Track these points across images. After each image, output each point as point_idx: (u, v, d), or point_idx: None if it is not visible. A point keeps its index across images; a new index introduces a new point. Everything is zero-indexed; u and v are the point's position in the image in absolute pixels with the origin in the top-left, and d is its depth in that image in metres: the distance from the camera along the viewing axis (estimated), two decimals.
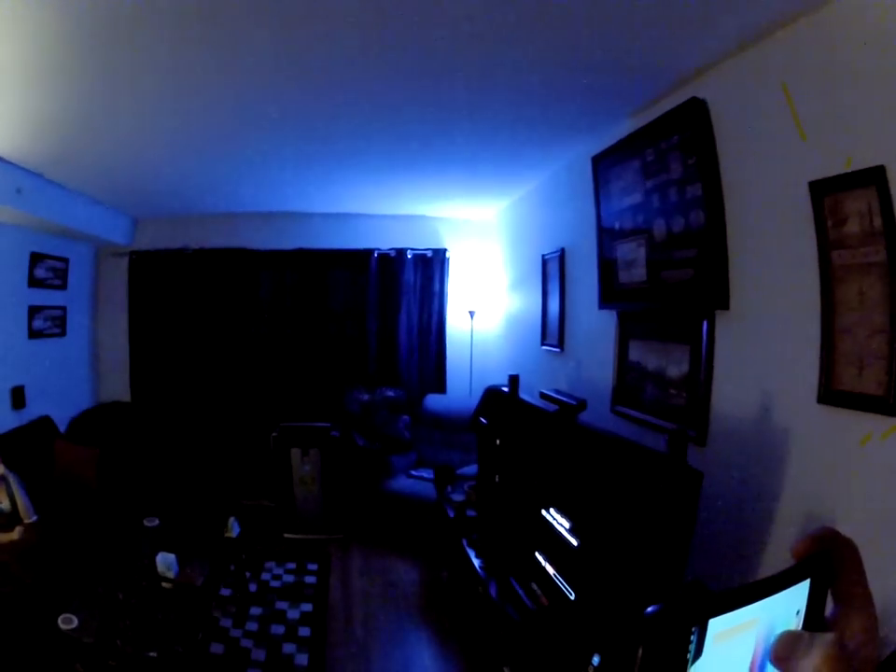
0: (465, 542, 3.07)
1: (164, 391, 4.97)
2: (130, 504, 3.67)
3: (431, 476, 4.10)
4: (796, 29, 1.59)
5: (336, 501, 4.21)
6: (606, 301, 2.85)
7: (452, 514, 3.37)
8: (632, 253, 2.57)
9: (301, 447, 4.18)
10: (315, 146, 3.14)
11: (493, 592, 2.56)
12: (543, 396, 2.40)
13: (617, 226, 2.68)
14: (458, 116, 2.64)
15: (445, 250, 5.18)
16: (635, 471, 1.72)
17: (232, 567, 3.11)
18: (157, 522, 2.98)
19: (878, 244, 1.43)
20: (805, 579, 0.32)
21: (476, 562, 2.85)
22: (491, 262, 5.19)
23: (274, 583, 3.47)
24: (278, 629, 2.96)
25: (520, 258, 4.43)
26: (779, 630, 0.31)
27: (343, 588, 3.49)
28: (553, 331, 3.68)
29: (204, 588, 2.67)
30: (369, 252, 5.11)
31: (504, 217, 4.83)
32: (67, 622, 2.32)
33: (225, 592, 3.16)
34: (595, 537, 1.90)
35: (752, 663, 0.31)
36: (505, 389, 3.73)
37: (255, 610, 3.12)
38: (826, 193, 1.54)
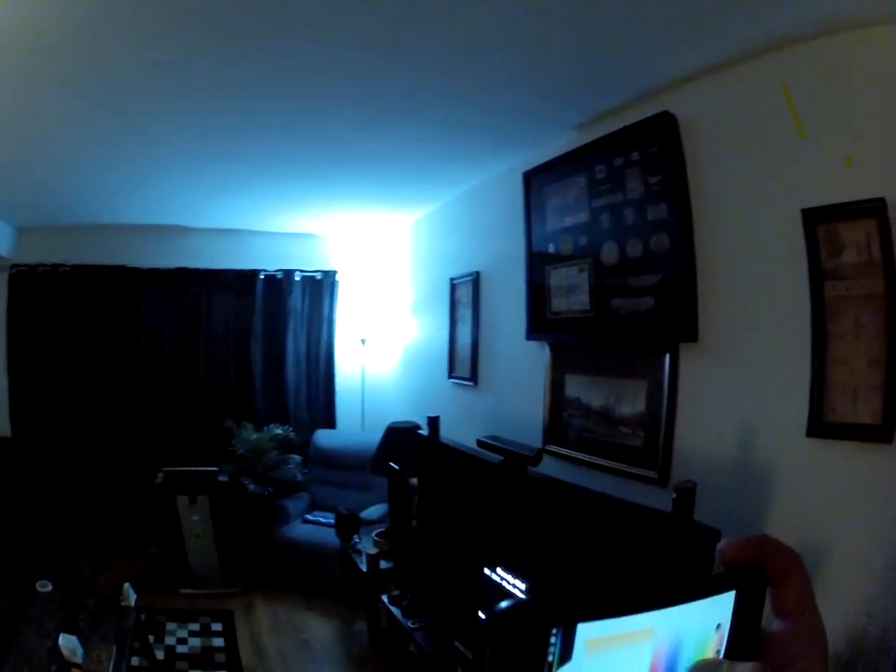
0: (386, 598, 2.73)
1: (48, 425, 4.49)
2: (19, 561, 3.43)
3: (329, 521, 3.90)
4: (790, 51, 1.57)
5: (231, 553, 3.92)
6: (535, 330, 2.71)
7: (365, 568, 3.07)
8: (571, 279, 2.46)
9: (189, 494, 3.83)
10: (207, 148, 2.81)
11: (430, 652, 2.25)
12: (482, 444, 2.16)
13: (552, 248, 2.57)
14: (372, 117, 2.40)
15: (335, 272, 4.88)
16: (629, 531, 1.53)
17: (137, 645, 2.79)
18: (50, 587, 2.78)
19: (877, 275, 1.42)
20: (728, 590, 0.29)
21: (405, 621, 2.51)
22: (386, 286, 4.92)
23: (181, 648, 3.21)
24: None
25: (424, 281, 4.22)
26: (689, 644, 0.29)
27: (256, 650, 3.22)
28: (465, 363, 3.48)
29: None
30: (255, 273, 4.73)
31: (408, 236, 4.60)
32: None
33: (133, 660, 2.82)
34: None
35: None
36: (409, 426, 3.48)
37: None
38: (821, 221, 1.51)
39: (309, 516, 4.13)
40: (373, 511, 3.87)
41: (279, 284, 4.75)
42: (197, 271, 4.64)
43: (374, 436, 4.33)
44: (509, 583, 1.95)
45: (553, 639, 0.25)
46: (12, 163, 2.93)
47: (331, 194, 3.67)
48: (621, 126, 2.11)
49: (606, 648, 0.26)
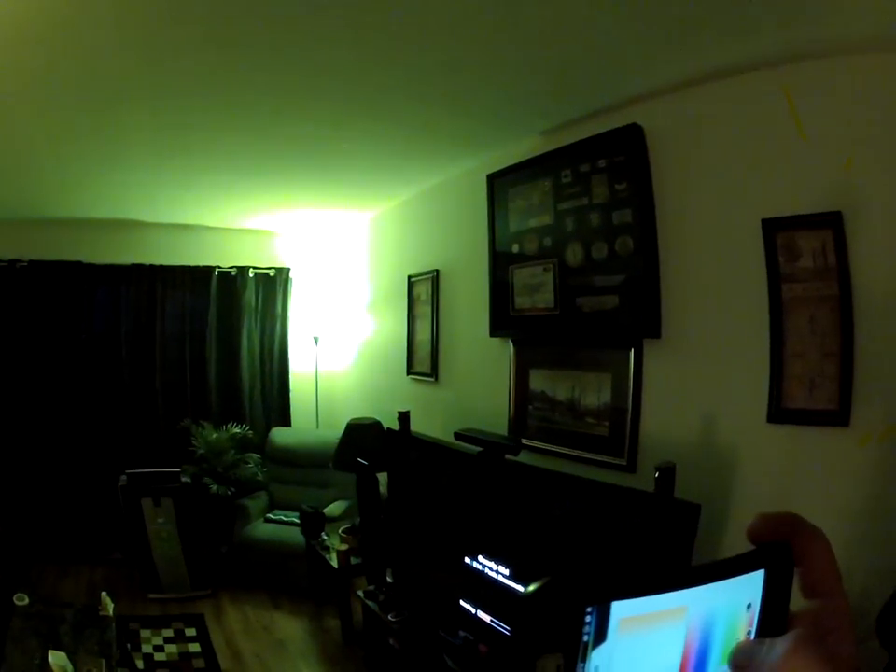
0: (361, 594, 2.76)
1: (4, 427, 4.28)
2: None
3: (292, 519, 3.92)
4: (755, 74, 1.74)
5: (197, 555, 3.86)
6: (499, 327, 2.82)
7: (336, 564, 3.11)
8: (535, 278, 2.58)
9: (153, 496, 3.73)
10: (169, 142, 2.71)
11: (413, 643, 2.31)
12: (460, 436, 2.25)
13: (516, 249, 2.68)
14: (344, 114, 2.41)
15: (289, 269, 4.82)
16: (612, 512, 1.66)
17: (119, 651, 2.69)
18: (27, 599, 2.66)
19: (831, 279, 1.61)
20: (756, 569, 0.30)
21: (384, 615, 2.55)
22: (340, 283, 4.90)
23: (159, 656, 3.17)
24: None
25: (381, 279, 4.24)
26: (721, 624, 0.29)
27: (231, 653, 3.18)
28: (424, 359, 3.55)
29: None
30: (209, 270, 4.61)
31: (362, 234, 4.59)
32: None
33: None
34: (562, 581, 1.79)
35: (684, 657, 0.28)
36: (370, 422, 3.52)
37: None
38: (779, 230, 1.69)
39: (271, 515, 4.10)
40: (335, 508, 3.90)
41: (233, 281, 4.66)
42: (152, 267, 4.48)
43: (330, 433, 4.37)
44: (492, 570, 2.05)
45: (587, 618, 0.25)
46: None
47: (291, 190, 3.62)
48: (588, 135, 2.24)
49: (640, 627, 0.27)
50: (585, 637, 0.26)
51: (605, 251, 2.24)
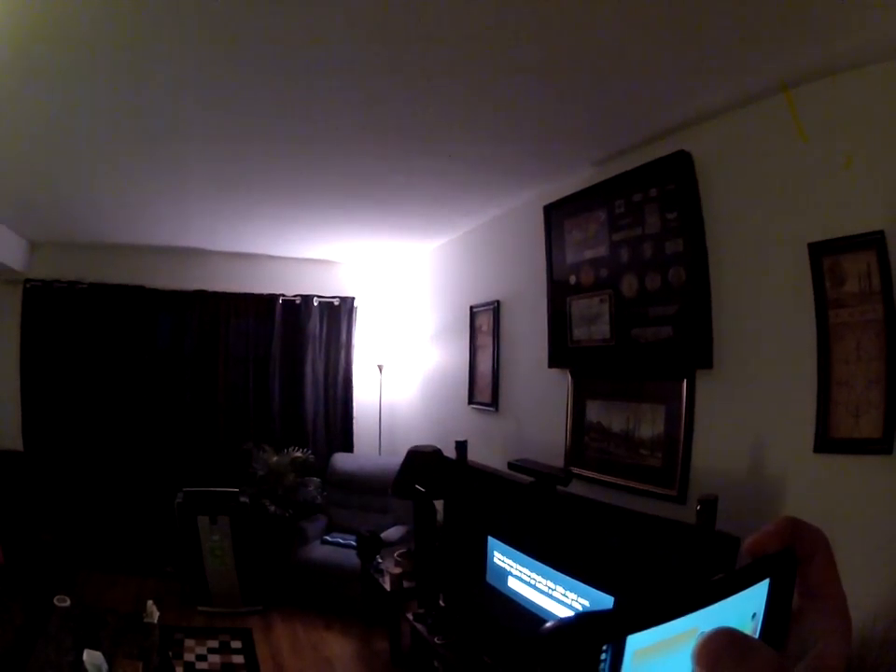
0: (411, 616, 2.95)
1: (61, 440, 4.70)
2: (36, 577, 3.54)
3: (348, 542, 4.18)
4: (799, 91, 1.87)
5: (250, 572, 4.15)
6: (557, 358, 2.97)
7: (388, 587, 3.29)
8: (592, 309, 2.74)
9: (209, 514, 4.07)
10: (233, 174, 3.08)
11: (457, 666, 2.46)
12: (513, 466, 2.41)
13: (572, 280, 2.85)
14: (401, 150, 2.69)
15: (353, 298, 5.19)
16: (656, 543, 1.78)
17: (159, 657, 2.90)
18: (68, 601, 2.88)
19: (877, 302, 1.69)
20: (762, 579, 0.31)
21: (431, 637, 2.72)
22: (403, 313, 5.23)
23: (201, 665, 3.36)
24: None
25: (443, 309, 4.51)
26: None
27: (276, 668, 3.38)
28: (485, 389, 3.74)
29: None
30: (273, 298, 5.06)
31: (424, 264, 4.92)
32: None
33: None
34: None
35: None
36: (430, 449, 3.73)
37: None
38: (825, 254, 1.79)
39: (328, 537, 4.36)
40: (392, 533, 4.12)
41: (297, 309, 5.06)
42: (216, 293, 4.94)
43: (390, 460, 4.61)
44: (533, 599, 2.18)
45: (603, 656, 0.26)
46: (32, 178, 3.18)
47: (352, 223, 3.98)
48: (639, 164, 2.40)
49: (653, 656, 0.27)
50: None
51: (658, 282, 2.37)
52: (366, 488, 4.62)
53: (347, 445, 5.17)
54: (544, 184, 3.01)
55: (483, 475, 2.72)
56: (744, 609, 0.30)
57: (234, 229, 4.29)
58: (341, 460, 4.86)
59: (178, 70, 1.98)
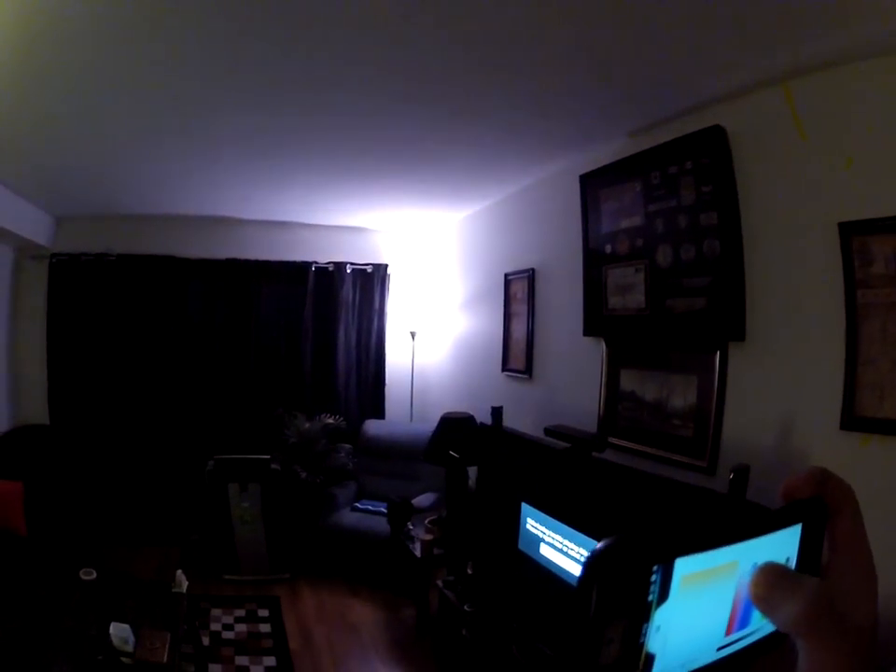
0: (441, 583, 3.22)
1: (87, 413, 4.98)
2: (61, 549, 3.69)
3: (378, 509, 4.41)
4: (832, 74, 1.96)
5: (279, 539, 4.39)
6: (592, 327, 3.13)
7: (419, 554, 3.53)
8: (627, 278, 2.88)
9: (240, 481, 4.32)
10: (269, 142, 3.21)
11: (485, 634, 2.73)
12: (549, 432, 2.61)
13: (608, 249, 2.99)
14: (438, 117, 2.81)
15: (386, 266, 5.41)
16: (687, 511, 1.97)
17: (185, 627, 3.10)
18: (94, 574, 2.97)
19: None
20: (796, 523, 0.34)
21: (460, 604, 2.99)
22: (436, 281, 5.42)
23: (227, 634, 3.56)
24: None
25: (476, 276, 4.68)
26: None
27: (302, 636, 3.63)
28: (519, 356, 3.93)
29: (170, 664, 2.61)
30: (306, 265, 5.29)
31: (457, 231, 5.09)
32: None
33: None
34: None
35: (733, 611, 0.32)
36: (464, 416, 3.96)
37: (214, 669, 3.17)
38: (854, 234, 1.90)
39: (358, 504, 4.61)
40: (423, 500, 4.35)
41: (330, 276, 5.30)
42: (248, 262, 5.18)
43: (422, 427, 4.86)
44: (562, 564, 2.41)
45: (653, 577, 0.28)
46: (60, 154, 3.33)
47: (386, 191, 4.15)
48: (674, 136, 2.51)
49: (698, 583, 0.29)
50: (651, 597, 0.28)
51: (693, 253, 2.50)
52: (397, 455, 4.87)
53: (378, 412, 5.44)
54: (579, 153, 3.12)
55: (519, 440, 2.93)
56: (779, 553, 0.33)
57: (267, 197, 4.48)
58: (372, 427, 5.11)
59: (211, 39, 2.06)
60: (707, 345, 2.46)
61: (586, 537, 2.29)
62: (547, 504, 2.58)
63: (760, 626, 0.33)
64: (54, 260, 4.94)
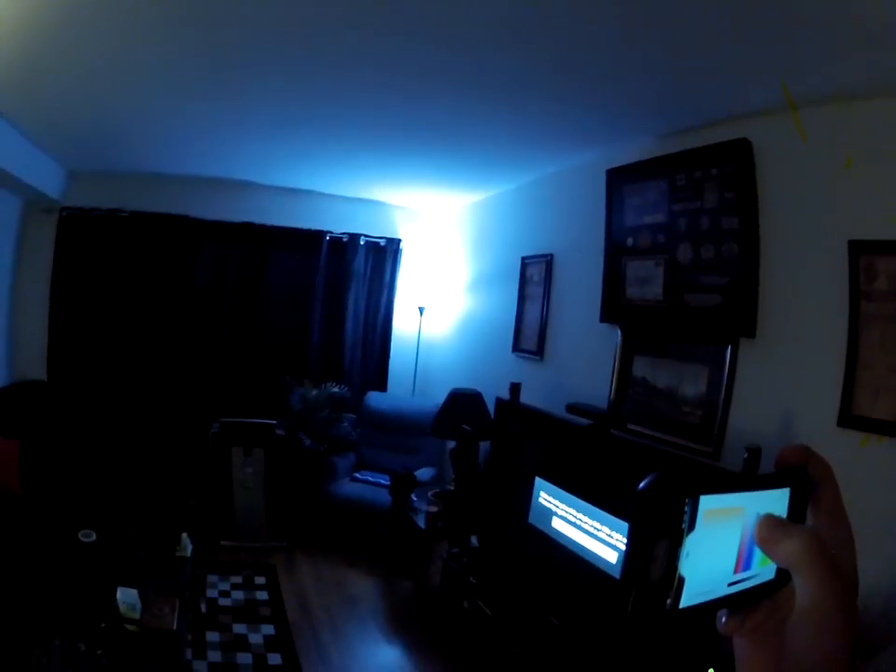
0: (445, 556, 3.50)
1: (87, 372, 5.01)
2: (59, 510, 3.69)
3: (378, 480, 4.63)
4: (847, 104, 2.20)
5: (279, 506, 4.52)
6: (609, 313, 3.39)
7: (423, 525, 3.79)
8: (646, 271, 3.13)
9: (244, 446, 4.46)
10: (296, 111, 3.34)
11: (490, 606, 3.03)
12: (571, 408, 2.88)
13: (629, 242, 3.24)
14: (471, 101, 2.96)
15: (399, 240, 5.63)
16: None
17: (188, 595, 3.22)
18: (94, 536, 3.04)
19: None
20: (785, 486, 0.42)
21: (465, 576, 3.28)
22: (448, 258, 5.64)
23: (224, 601, 3.69)
24: (245, 658, 3.19)
25: (491, 257, 4.92)
26: None
27: (300, 605, 3.80)
28: (531, 338, 4.19)
29: (179, 631, 2.66)
30: (321, 234, 5.45)
31: (474, 212, 5.31)
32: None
33: None
34: None
35: (740, 549, 0.39)
36: (472, 392, 4.23)
37: (212, 636, 3.32)
38: (862, 252, 2.17)
39: (357, 475, 4.81)
40: (422, 473, 4.58)
41: (344, 247, 5.49)
42: (263, 227, 5.31)
43: (424, 402, 5.14)
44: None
45: (686, 508, 0.36)
46: (78, 106, 3.37)
47: (410, 169, 4.36)
48: (702, 143, 2.75)
49: (716, 519, 0.38)
50: (683, 525, 0.36)
51: (712, 252, 2.76)
52: (397, 428, 5.09)
53: (381, 384, 5.67)
54: (607, 148, 3.34)
55: (538, 416, 3.20)
56: (772, 507, 0.41)
57: (286, 164, 4.61)
58: (375, 399, 5.33)
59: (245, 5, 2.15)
60: (720, 339, 2.73)
61: (604, 512, 2.57)
62: (564, 479, 2.87)
63: (760, 571, 0.41)
64: (64, 214, 4.95)
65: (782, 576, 0.40)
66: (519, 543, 3.12)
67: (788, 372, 2.45)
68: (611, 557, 2.47)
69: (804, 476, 0.43)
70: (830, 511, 0.43)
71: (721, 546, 0.39)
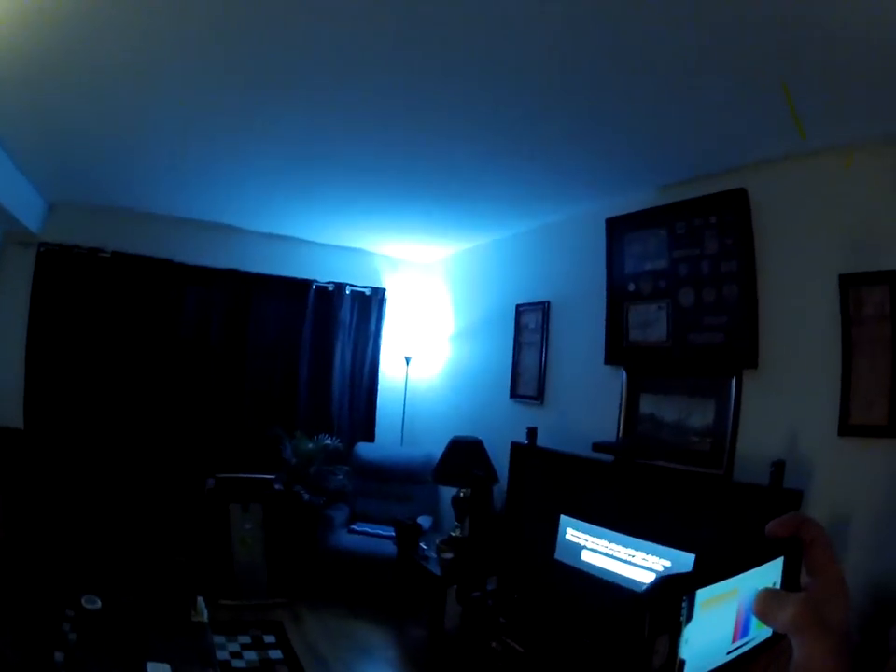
0: (469, 598, 3.68)
1: (67, 420, 4.87)
2: (43, 571, 3.61)
3: (376, 531, 4.79)
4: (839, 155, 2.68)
5: (279, 562, 4.58)
6: (613, 356, 3.75)
7: (439, 572, 3.96)
8: (649, 314, 3.52)
9: (241, 502, 4.54)
10: (291, 154, 3.55)
11: (520, 645, 3.23)
12: (598, 447, 3.18)
13: (631, 287, 3.63)
14: (474, 154, 3.30)
15: (384, 290, 5.92)
16: (734, 503, 2.58)
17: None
18: (98, 603, 2.93)
19: (887, 324, 2.50)
20: (779, 556, 0.48)
21: (494, 618, 3.46)
22: (435, 307, 5.98)
23: (237, 663, 3.66)
24: None
25: (482, 304, 5.29)
26: None
27: (316, 660, 3.83)
28: (530, 383, 4.51)
29: None
30: (307, 283, 5.64)
31: (461, 261, 5.70)
32: None
33: None
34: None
35: (737, 621, 0.45)
36: (472, 440, 4.48)
37: None
38: (851, 285, 2.60)
39: (354, 527, 4.94)
40: (422, 521, 4.73)
41: (330, 296, 5.69)
42: (248, 274, 5.41)
43: (413, 450, 5.39)
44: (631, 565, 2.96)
45: (683, 604, 0.41)
46: (69, 132, 3.36)
47: (402, 216, 4.66)
48: (701, 194, 3.20)
49: (712, 606, 0.42)
50: (682, 618, 0.41)
51: (713, 295, 3.17)
52: (388, 477, 5.28)
53: (369, 435, 5.83)
54: (609, 198, 3.78)
55: (559, 457, 3.48)
56: (766, 579, 0.47)
57: (277, 209, 4.75)
58: (364, 449, 5.51)
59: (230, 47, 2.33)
60: (724, 372, 3.11)
61: (637, 539, 2.84)
62: (593, 514, 3.13)
63: (756, 634, 0.46)
64: (42, 249, 4.80)
65: (778, 633, 0.46)
66: (547, 580, 3.34)
67: (790, 395, 2.83)
68: (647, 579, 2.75)
69: (795, 543, 0.48)
70: (821, 568, 0.47)
71: (719, 625, 0.44)
